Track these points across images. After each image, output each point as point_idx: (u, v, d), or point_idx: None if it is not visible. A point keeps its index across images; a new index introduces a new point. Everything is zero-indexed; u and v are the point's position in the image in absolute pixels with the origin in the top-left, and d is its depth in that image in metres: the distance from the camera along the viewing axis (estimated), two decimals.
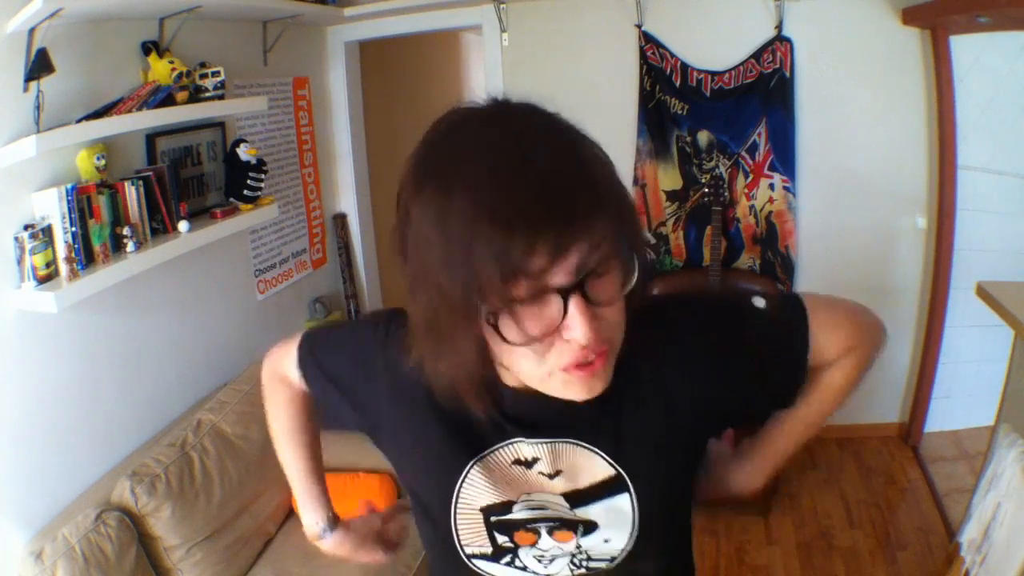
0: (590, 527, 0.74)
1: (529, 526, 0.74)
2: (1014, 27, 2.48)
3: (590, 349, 0.60)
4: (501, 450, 0.74)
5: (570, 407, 0.65)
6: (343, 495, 2.32)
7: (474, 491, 0.75)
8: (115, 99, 2.08)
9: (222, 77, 2.38)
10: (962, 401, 3.12)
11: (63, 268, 1.88)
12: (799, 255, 3.25)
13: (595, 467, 0.73)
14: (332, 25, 3.37)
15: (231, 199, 2.59)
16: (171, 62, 2.23)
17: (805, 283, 3.28)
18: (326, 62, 3.46)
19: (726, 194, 3.11)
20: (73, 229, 1.89)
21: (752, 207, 3.21)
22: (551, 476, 0.73)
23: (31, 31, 1.80)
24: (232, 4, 2.46)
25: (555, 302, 0.57)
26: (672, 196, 3.27)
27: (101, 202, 1.99)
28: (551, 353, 0.60)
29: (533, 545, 0.75)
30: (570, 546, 0.75)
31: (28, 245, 1.81)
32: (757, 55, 3.03)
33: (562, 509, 0.74)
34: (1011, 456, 1.79)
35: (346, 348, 0.84)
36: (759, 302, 0.76)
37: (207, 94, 2.36)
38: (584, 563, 0.75)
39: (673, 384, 0.72)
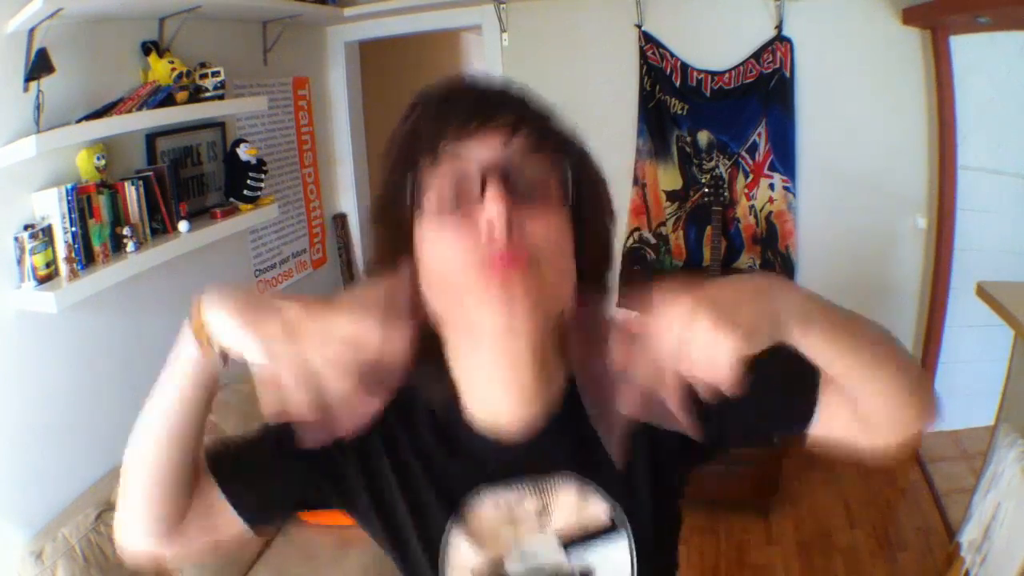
0: (595, 571, 0.69)
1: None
2: (1014, 27, 2.48)
3: (505, 242, 0.56)
4: (477, 500, 0.67)
5: (548, 441, 0.62)
6: None
7: (459, 554, 0.68)
8: (115, 99, 2.08)
9: (222, 77, 2.38)
10: (962, 401, 3.11)
11: (63, 268, 1.88)
12: (799, 255, 3.25)
13: (593, 500, 0.68)
14: (332, 25, 3.37)
15: (231, 199, 2.59)
16: (171, 62, 2.23)
17: (805, 283, 3.25)
18: (326, 62, 3.46)
19: (726, 194, 3.11)
20: (73, 229, 1.89)
21: (752, 207, 3.21)
22: (539, 515, 0.68)
23: (31, 31, 1.80)
24: (232, 4, 2.46)
25: (475, 179, 0.58)
26: (672, 196, 3.27)
27: (101, 202, 1.99)
28: (469, 244, 0.57)
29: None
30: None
31: (28, 245, 1.81)
32: (757, 55, 3.03)
33: (557, 557, 0.68)
34: (1011, 456, 1.79)
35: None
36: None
37: (207, 94, 2.36)
38: None
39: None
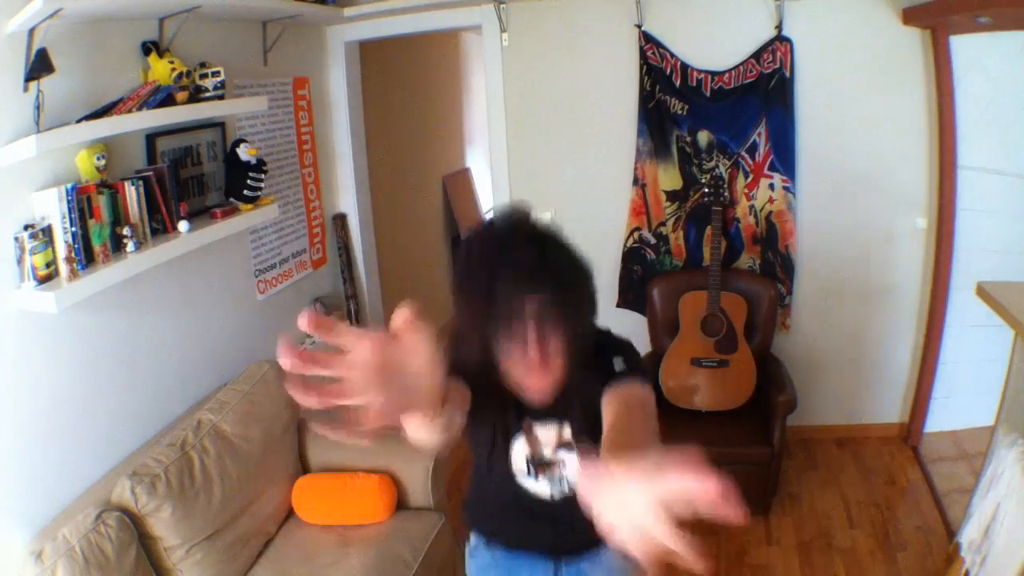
0: (565, 465, 1.38)
1: (541, 463, 1.39)
2: (1014, 27, 2.48)
3: (537, 360, 1.14)
4: (529, 421, 1.35)
5: (552, 406, 1.27)
6: (343, 495, 2.33)
7: (522, 442, 1.37)
8: (115, 99, 2.08)
9: (222, 77, 2.38)
10: (962, 401, 3.12)
11: (63, 268, 1.88)
12: (799, 255, 3.25)
13: (563, 430, 1.35)
14: (332, 25, 3.37)
15: (231, 199, 2.59)
16: (171, 62, 2.23)
17: (805, 282, 3.28)
18: (326, 62, 3.46)
19: (726, 194, 3.11)
20: (73, 229, 1.89)
21: (752, 207, 3.21)
22: (541, 436, 1.37)
23: (31, 31, 1.80)
24: (232, 4, 2.46)
25: (522, 333, 1.14)
26: (672, 196, 3.27)
27: (101, 202, 1.99)
28: (519, 361, 1.16)
29: (543, 472, 1.39)
30: (556, 476, 1.40)
31: (28, 245, 1.81)
32: (757, 55, 3.03)
33: (551, 454, 1.38)
34: (1011, 456, 1.79)
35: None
36: (619, 365, 1.28)
37: (207, 94, 2.36)
38: (565, 484, 1.40)
39: (593, 397, 1.24)
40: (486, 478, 1.46)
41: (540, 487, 1.40)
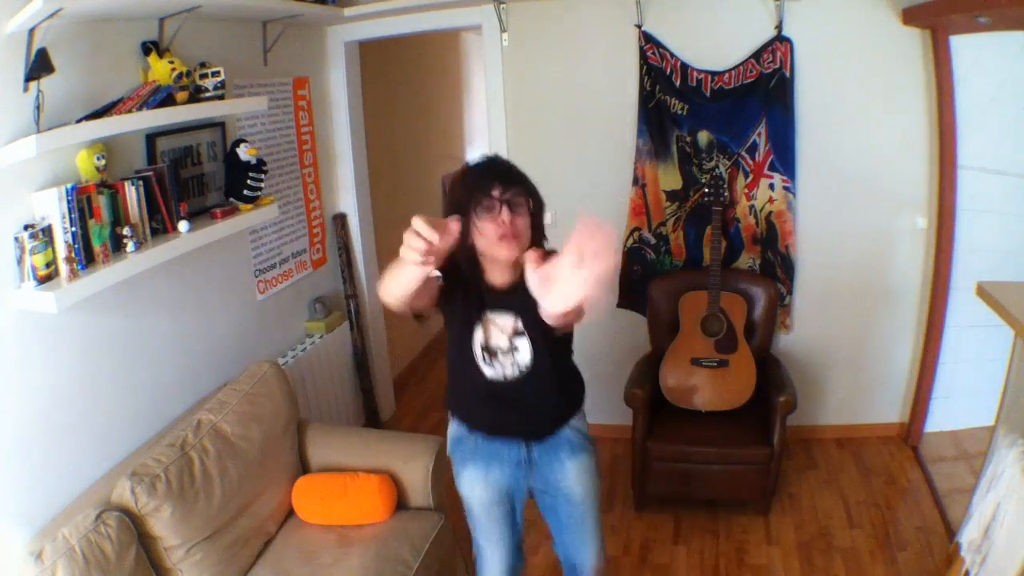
0: (518, 349, 1.75)
1: (497, 348, 1.76)
2: (1014, 27, 2.48)
3: (508, 229, 1.60)
4: (486, 314, 1.74)
5: (507, 297, 1.70)
6: (343, 495, 2.33)
7: (480, 332, 1.75)
8: (115, 99, 2.09)
9: (222, 77, 2.38)
10: (962, 401, 3.12)
11: (63, 268, 1.88)
12: (799, 255, 3.25)
13: (516, 322, 1.73)
14: (332, 25, 3.37)
15: (231, 199, 2.59)
16: (171, 62, 2.23)
17: (805, 283, 3.28)
18: (326, 62, 3.46)
19: (726, 194, 3.11)
20: (73, 229, 1.89)
21: (752, 207, 3.21)
22: (501, 325, 1.75)
23: (31, 31, 1.81)
24: (232, 4, 2.46)
25: (497, 207, 1.61)
26: (672, 196, 3.27)
27: (101, 202, 1.99)
28: (494, 233, 1.61)
29: (495, 358, 1.76)
30: (511, 358, 1.76)
31: (28, 245, 1.81)
32: (757, 55, 3.03)
33: (504, 341, 1.75)
34: (1011, 456, 1.79)
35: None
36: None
37: (207, 94, 2.36)
38: (518, 366, 1.76)
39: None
40: (457, 366, 1.83)
41: (494, 371, 1.76)
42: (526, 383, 1.75)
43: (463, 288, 1.70)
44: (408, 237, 1.26)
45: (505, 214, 1.59)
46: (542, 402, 1.82)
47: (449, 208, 1.64)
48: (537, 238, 1.70)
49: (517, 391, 1.77)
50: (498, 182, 1.62)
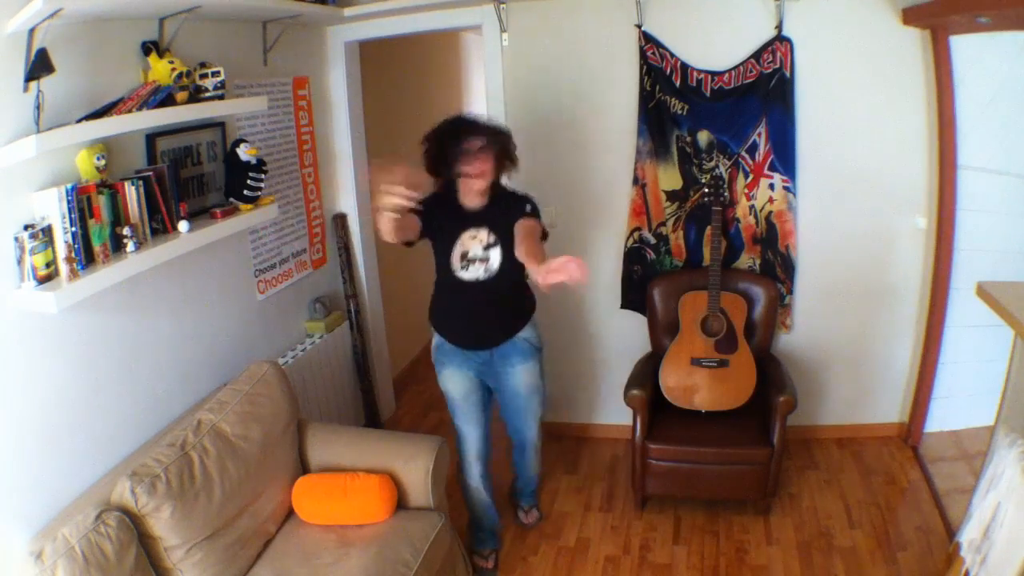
0: (489, 258, 2.38)
1: (474, 256, 2.38)
2: (1014, 27, 2.47)
3: (476, 171, 2.30)
4: (466, 230, 2.39)
5: (481, 215, 2.39)
6: (343, 495, 2.33)
7: (460, 244, 2.39)
8: (115, 99, 2.08)
9: (222, 77, 2.38)
10: (962, 401, 3.12)
11: (63, 268, 1.88)
12: (799, 255, 3.25)
13: (489, 236, 2.37)
14: (332, 25, 3.37)
15: (231, 199, 2.59)
16: (171, 62, 2.23)
17: (805, 282, 3.29)
18: (326, 62, 3.46)
19: (726, 194, 3.11)
20: (73, 229, 1.89)
21: (752, 207, 3.21)
22: (478, 238, 2.39)
23: (31, 31, 1.80)
24: (232, 4, 2.46)
25: (468, 152, 2.28)
26: (672, 196, 3.27)
27: (101, 202, 1.99)
28: (469, 171, 2.30)
29: (471, 264, 2.38)
30: (484, 265, 2.38)
31: (28, 245, 1.81)
32: (757, 55, 3.03)
33: (480, 251, 2.38)
34: (1011, 456, 1.79)
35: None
36: (528, 207, 2.39)
37: (207, 94, 2.36)
38: (490, 270, 2.37)
39: (510, 211, 2.38)
40: (442, 284, 2.48)
41: (469, 273, 2.40)
42: (493, 282, 2.40)
43: (443, 215, 2.37)
44: (386, 201, 1.94)
45: (475, 163, 2.28)
46: (502, 299, 2.47)
47: (431, 155, 2.35)
48: (499, 169, 2.39)
49: (485, 290, 2.40)
50: (466, 134, 2.28)
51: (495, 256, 2.36)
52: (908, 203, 3.13)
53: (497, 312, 2.48)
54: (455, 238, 2.37)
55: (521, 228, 2.31)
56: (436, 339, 2.57)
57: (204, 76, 2.36)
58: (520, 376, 2.55)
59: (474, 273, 2.37)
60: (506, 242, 2.33)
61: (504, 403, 2.65)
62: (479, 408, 2.60)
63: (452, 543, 2.47)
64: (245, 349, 2.85)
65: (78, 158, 1.99)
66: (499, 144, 2.32)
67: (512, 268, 2.36)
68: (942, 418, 3.20)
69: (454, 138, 2.27)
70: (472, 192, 2.34)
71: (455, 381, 2.54)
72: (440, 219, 2.35)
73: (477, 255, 2.36)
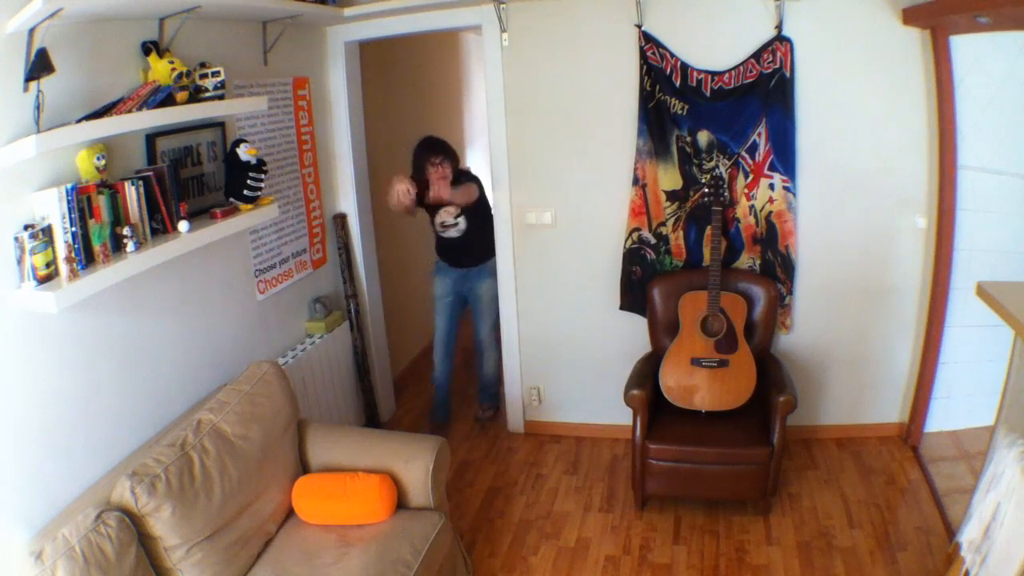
0: (458, 223, 3.66)
1: (448, 223, 3.68)
2: (1014, 27, 2.48)
3: (440, 176, 3.44)
4: (440, 208, 3.67)
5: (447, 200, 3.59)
6: (343, 495, 2.33)
7: (439, 217, 3.70)
8: (115, 99, 2.08)
9: (222, 77, 2.38)
10: (962, 401, 3.12)
11: (63, 268, 1.88)
12: (799, 255, 3.25)
13: (456, 209, 3.63)
14: (332, 25, 3.37)
15: (231, 199, 2.58)
16: (171, 62, 2.23)
17: (805, 282, 3.29)
18: (326, 62, 3.46)
19: (726, 194, 3.11)
20: (73, 229, 1.89)
21: (752, 207, 3.21)
22: (449, 211, 3.66)
23: (31, 31, 1.80)
24: (232, 4, 2.46)
25: (435, 165, 3.47)
26: (672, 196, 3.28)
27: (101, 202, 1.99)
28: (434, 177, 3.45)
29: (447, 228, 3.68)
30: (456, 228, 3.66)
31: (28, 245, 1.81)
32: (757, 55, 3.03)
33: (451, 220, 3.66)
34: (1011, 456, 1.79)
35: None
36: (463, 178, 3.61)
37: (207, 94, 2.36)
38: (460, 230, 3.66)
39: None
40: (436, 237, 3.74)
41: (448, 233, 3.65)
42: (464, 236, 3.65)
43: (427, 198, 3.45)
44: (396, 194, 3.30)
45: (439, 169, 3.42)
46: (472, 245, 3.69)
47: (414, 166, 3.51)
48: (455, 177, 3.47)
49: (460, 242, 3.67)
50: (432, 153, 3.44)
51: (462, 221, 3.61)
52: (908, 203, 3.13)
53: (469, 250, 3.70)
54: (435, 212, 3.63)
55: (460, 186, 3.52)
56: (436, 261, 3.82)
57: (204, 76, 2.36)
58: (484, 288, 3.74)
59: (452, 233, 3.64)
60: (467, 210, 3.57)
61: (472, 307, 3.82)
62: (451, 308, 3.81)
63: (452, 543, 2.47)
64: (245, 349, 2.85)
65: (78, 158, 1.99)
66: (452, 156, 3.50)
67: (474, 225, 3.62)
68: (942, 418, 3.20)
69: (426, 154, 3.46)
70: (438, 188, 3.38)
71: (440, 285, 3.79)
72: (426, 201, 3.50)
73: (450, 223, 3.62)
